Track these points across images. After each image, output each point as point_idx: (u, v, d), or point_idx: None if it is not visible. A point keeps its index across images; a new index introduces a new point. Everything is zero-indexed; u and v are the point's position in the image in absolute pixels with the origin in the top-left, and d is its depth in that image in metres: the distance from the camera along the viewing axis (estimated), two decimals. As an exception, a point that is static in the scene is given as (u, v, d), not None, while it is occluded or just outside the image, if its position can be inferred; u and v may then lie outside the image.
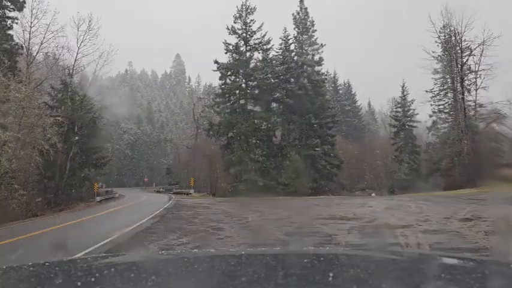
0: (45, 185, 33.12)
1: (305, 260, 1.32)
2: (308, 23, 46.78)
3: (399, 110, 52.43)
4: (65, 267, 1.35)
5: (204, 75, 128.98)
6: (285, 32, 45.74)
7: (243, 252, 1.58)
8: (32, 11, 32.51)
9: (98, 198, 33.46)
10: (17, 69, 27.72)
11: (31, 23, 32.68)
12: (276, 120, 39.82)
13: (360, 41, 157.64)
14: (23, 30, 32.32)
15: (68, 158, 33.00)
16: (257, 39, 40.97)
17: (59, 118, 27.89)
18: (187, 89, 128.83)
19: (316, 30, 47.10)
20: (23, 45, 32.77)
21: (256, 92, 40.90)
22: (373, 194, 44.43)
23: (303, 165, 35.24)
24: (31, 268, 1.27)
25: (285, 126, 41.02)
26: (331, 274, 1.12)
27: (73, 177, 33.88)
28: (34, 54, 33.72)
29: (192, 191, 39.28)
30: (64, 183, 32.63)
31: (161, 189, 58.17)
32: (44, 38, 32.69)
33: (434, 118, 47.84)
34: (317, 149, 41.14)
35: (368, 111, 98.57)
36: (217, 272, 1.26)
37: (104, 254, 2.08)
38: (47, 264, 1.32)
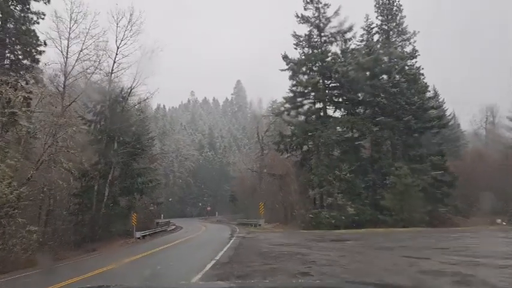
0: (83, 217, 26.65)
1: None
2: (395, 8, 37.63)
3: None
4: None
5: (266, 100, 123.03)
6: (367, 20, 37.01)
7: (233, 285, 1.64)
8: (71, 15, 27.12)
9: (138, 234, 25.91)
10: (31, 68, 21.68)
11: (70, 28, 27.19)
12: (366, 125, 30.45)
13: (440, 44, 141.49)
14: (59, 36, 26.88)
15: (106, 182, 26.31)
16: (334, 27, 32.58)
17: (84, 127, 21.16)
18: (249, 114, 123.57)
19: (405, 17, 37.80)
20: (62, 52, 27.47)
21: (337, 92, 32.20)
22: (500, 221, 32.84)
23: (414, 183, 25.29)
24: None
25: (377, 133, 31.45)
26: None
27: (113, 207, 27.06)
28: (73, 63, 28.09)
29: (262, 221, 30.62)
30: (102, 214, 25.83)
31: (224, 219, 50.37)
32: (83, 44, 27.05)
33: None
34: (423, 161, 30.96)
35: (454, 123, 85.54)
36: None
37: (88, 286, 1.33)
38: None
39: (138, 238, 25.53)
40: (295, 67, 31.17)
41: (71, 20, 27.47)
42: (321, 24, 32.59)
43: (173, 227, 38.95)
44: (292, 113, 32.92)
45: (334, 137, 29.53)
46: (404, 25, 37.84)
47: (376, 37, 37.48)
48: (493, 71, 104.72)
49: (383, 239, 14.87)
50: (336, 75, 30.50)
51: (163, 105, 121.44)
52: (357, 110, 33.21)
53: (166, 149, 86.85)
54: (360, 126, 30.29)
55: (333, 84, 32.28)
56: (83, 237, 25.11)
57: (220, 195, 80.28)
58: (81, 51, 27.74)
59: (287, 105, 33.22)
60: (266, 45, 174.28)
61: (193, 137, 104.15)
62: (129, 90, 27.44)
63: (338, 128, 31.43)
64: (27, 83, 22.25)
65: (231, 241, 17.71)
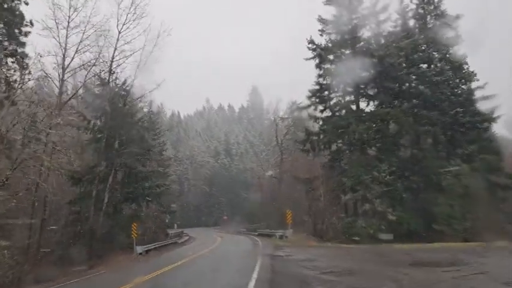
0: (81, 228, 22.93)
1: None
2: (431, -11, 33.30)
3: None
4: None
5: (284, 102, 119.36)
6: (401, 3, 32.73)
7: None
8: (70, 3, 23.79)
9: (139, 249, 21.77)
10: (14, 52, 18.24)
11: (69, 17, 23.85)
12: (407, 119, 26.12)
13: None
14: (57, 26, 23.42)
15: (106, 187, 22.57)
16: (366, 8, 28.51)
17: (72, 118, 17.50)
18: (266, 120, 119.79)
19: (444, -2, 33.39)
20: (60, 43, 24.02)
21: (371, 82, 27.99)
22: None
23: (478, 184, 20.70)
24: None
25: (418, 128, 27.05)
26: None
27: (115, 215, 23.27)
28: (72, 54, 24.56)
29: (289, 232, 26.25)
30: (100, 224, 22.04)
31: (242, 229, 46.16)
32: (83, 34, 23.63)
33: None
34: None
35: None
36: None
37: None
38: None
39: (140, 254, 21.48)
40: (322, 53, 27.08)
41: (70, 7, 24.24)
42: (351, 6, 28.56)
43: (186, 238, 35.02)
44: (320, 107, 28.74)
45: (371, 132, 25.24)
46: (442, 8, 33.62)
47: (411, 22, 33.33)
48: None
49: (500, 263, 10.25)
50: (373, 59, 26.26)
51: (178, 112, 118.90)
52: (394, 103, 28.88)
53: (180, 156, 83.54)
54: (401, 120, 25.95)
55: (368, 75, 28.06)
56: (78, 252, 21.38)
57: (237, 203, 76.24)
58: (81, 41, 24.38)
59: (313, 99, 29.06)
60: (282, 44, 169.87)
61: (208, 144, 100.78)
62: (132, 82, 23.80)
63: (373, 124, 27.13)
64: (8, 69, 18.97)
65: (258, 264, 12.57)
